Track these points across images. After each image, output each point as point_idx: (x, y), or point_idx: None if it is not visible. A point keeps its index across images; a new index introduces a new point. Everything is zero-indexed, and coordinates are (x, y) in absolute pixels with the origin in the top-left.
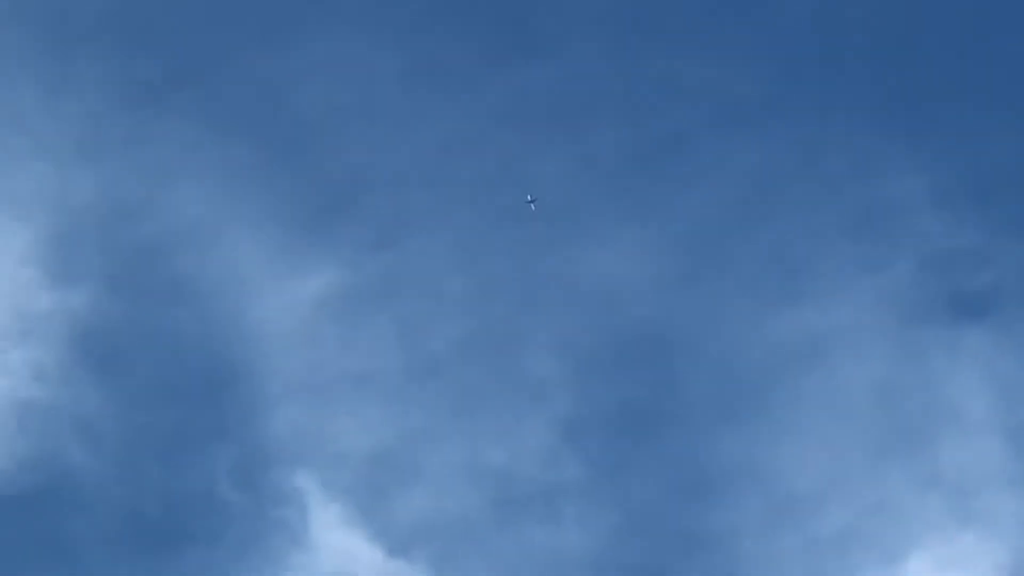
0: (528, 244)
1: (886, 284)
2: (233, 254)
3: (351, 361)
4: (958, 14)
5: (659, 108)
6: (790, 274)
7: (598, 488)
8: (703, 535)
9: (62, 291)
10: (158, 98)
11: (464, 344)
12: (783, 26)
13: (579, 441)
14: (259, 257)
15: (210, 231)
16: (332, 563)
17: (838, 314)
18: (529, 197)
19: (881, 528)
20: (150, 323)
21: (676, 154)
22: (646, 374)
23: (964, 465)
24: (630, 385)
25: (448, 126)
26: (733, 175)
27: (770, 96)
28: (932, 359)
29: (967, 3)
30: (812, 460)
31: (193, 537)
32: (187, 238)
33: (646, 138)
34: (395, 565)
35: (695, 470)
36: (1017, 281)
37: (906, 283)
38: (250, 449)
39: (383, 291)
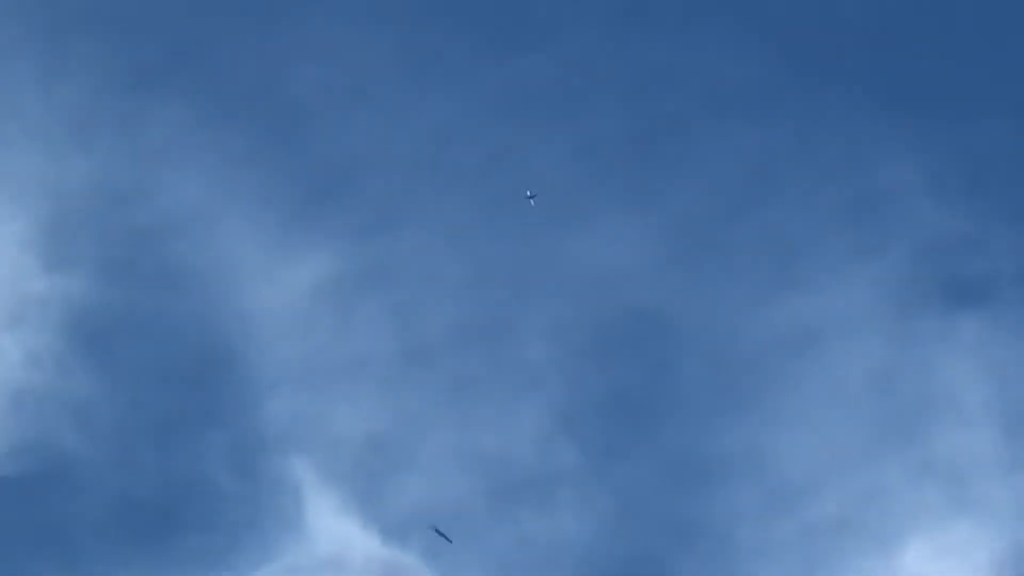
0: (523, 231)
1: (881, 271)
2: (228, 240)
3: (346, 348)
4: (954, 4)
5: (654, 96)
6: (785, 261)
7: (593, 475)
8: (698, 522)
9: (57, 277)
10: (153, 85)
11: (459, 331)
12: (779, 15)
13: (574, 428)
14: (254, 243)
15: (205, 217)
16: (327, 549)
17: (833, 301)
18: (528, 193)
19: (877, 515)
20: (145, 309)
21: (672, 142)
22: (641, 361)
23: (959, 452)
24: (625, 372)
25: (444, 113)
26: (728, 163)
27: (766, 85)
28: (927, 346)
29: None
30: (807, 447)
31: (188, 522)
32: (182, 224)
33: (641, 126)
34: (389, 551)
35: (690, 457)
36: (1012, 268)
37: (901, 270)
38: (245, 435)
39: (378, 278)
